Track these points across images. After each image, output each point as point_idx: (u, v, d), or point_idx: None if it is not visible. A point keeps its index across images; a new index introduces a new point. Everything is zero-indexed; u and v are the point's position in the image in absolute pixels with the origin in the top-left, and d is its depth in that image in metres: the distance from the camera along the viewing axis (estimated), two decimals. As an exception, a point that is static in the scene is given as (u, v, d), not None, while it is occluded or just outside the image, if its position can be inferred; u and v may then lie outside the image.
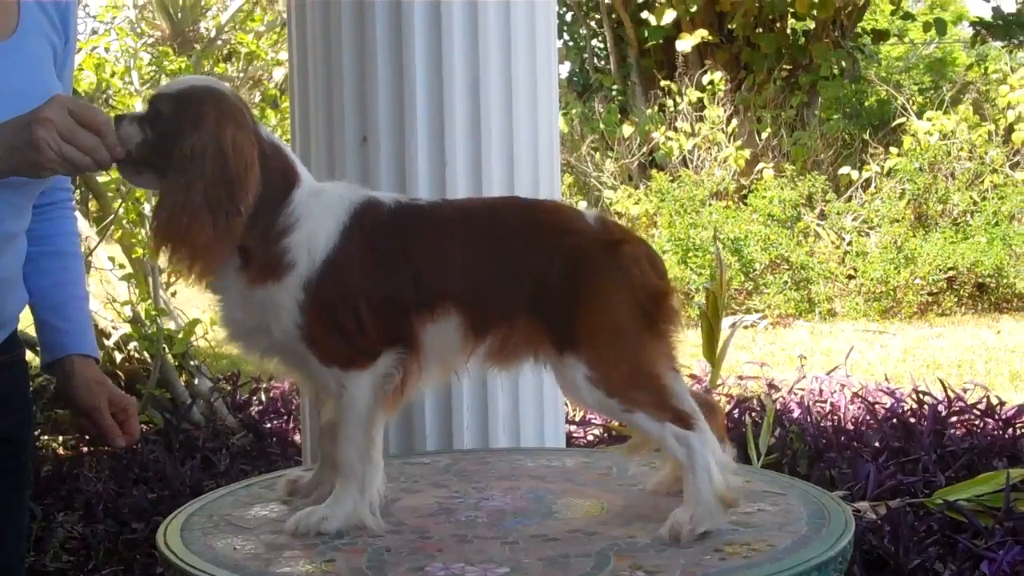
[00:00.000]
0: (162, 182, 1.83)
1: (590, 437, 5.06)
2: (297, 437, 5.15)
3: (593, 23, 17.03)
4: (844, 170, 12.89)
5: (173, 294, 6.66)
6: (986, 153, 12.26)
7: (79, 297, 2.35)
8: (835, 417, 5.24)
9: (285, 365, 1.93)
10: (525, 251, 1.86)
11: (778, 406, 5.20)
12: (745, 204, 12.40)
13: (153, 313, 5.98)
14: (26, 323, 2.33)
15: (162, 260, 1.95)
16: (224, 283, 1.87)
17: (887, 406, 5.25)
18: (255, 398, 6.29)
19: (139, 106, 6.61)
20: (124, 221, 6.11)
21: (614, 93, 15.69)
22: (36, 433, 3.71)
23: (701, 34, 14.08)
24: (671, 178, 12.65)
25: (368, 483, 1.87)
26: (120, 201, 6.10)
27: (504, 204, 2.10)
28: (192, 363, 6.08)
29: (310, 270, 1.82)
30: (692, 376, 5.72)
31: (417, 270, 1.86)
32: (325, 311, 1.83)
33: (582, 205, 12.80)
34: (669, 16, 14.21)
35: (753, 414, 4.83)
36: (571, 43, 17.56)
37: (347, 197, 1.90)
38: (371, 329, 1.84)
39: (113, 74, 6.64)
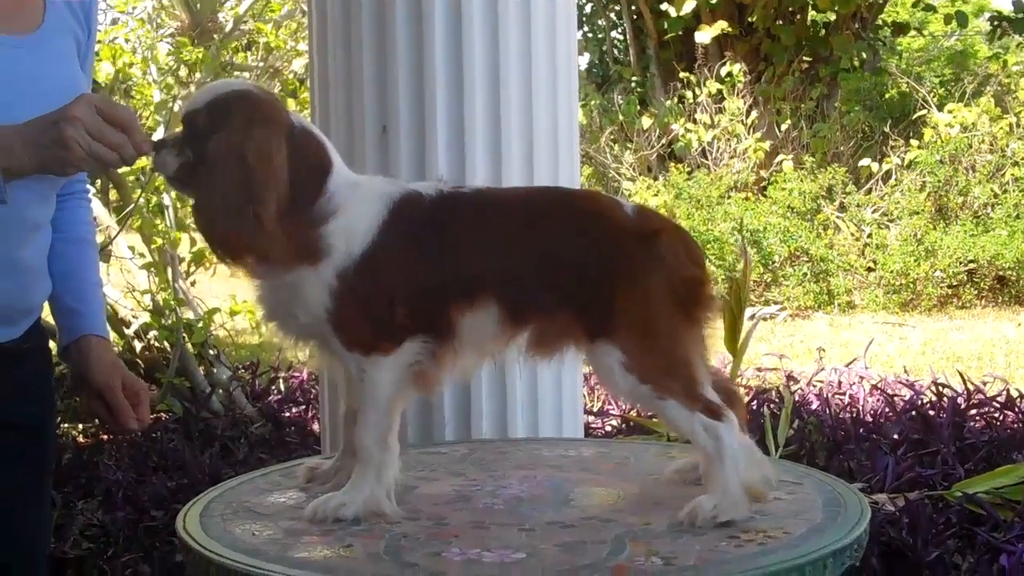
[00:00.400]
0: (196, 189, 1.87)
1: (608, 428, 5.07)
2: (316, 426, 5.17)
3: (612, 14, 17.01)
4: (864, 162, 12.83)
5: (192, 283, 6.69)
6: (1007, 146, 12.19)
7: (94, 283, 2.38)
8: (854, 409, 5.22)
9: (317, 349, 1.95)
10: (563, 241, 1.88)
11: (797, 398, 5.19)
12: (765, 196, 12.37)
13: (172, 302, 6.01)
14: (46, 312, 2.35)
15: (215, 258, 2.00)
16: (262, 267, 1.89)
17: (906, 398, 5.23)
18: (274, 387, 6.31)
19: (157, 95, 6.64)
20: (144, 210, 6.13)
21: (633, 85, 15.66)
22: (56, 421, 3.74)
23: (721, 26, 14.03)
24: (689, 170, 12.63)
25: (385, 469, 1.88)
26: (140, 191, 6.12)
27: (543, 194, 2.12)
28: (211, 352, 6.10)
29: (346, 260, 1.84)
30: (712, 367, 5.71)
31: (456, 261, 1.87)
32: (356, 300, 1.84)
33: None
34: (689, 6, 14.16)
35: (772, 406, 4.83)
36: (590, 34, 17.55)
37: (386, 191, 1.91)
38: (402, 318, 1.85)
39: (131, 64, 6.66)
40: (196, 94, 1.92)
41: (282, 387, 6.31)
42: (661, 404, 1.85)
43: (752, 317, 5.81)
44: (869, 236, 11.83)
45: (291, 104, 8.93)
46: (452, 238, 1.88)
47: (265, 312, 1.93)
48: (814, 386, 5.81)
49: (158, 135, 5.65)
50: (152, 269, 6.20)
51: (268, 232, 1.79)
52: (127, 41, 7.29)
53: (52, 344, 2.36)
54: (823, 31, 14.81)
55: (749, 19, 14.45)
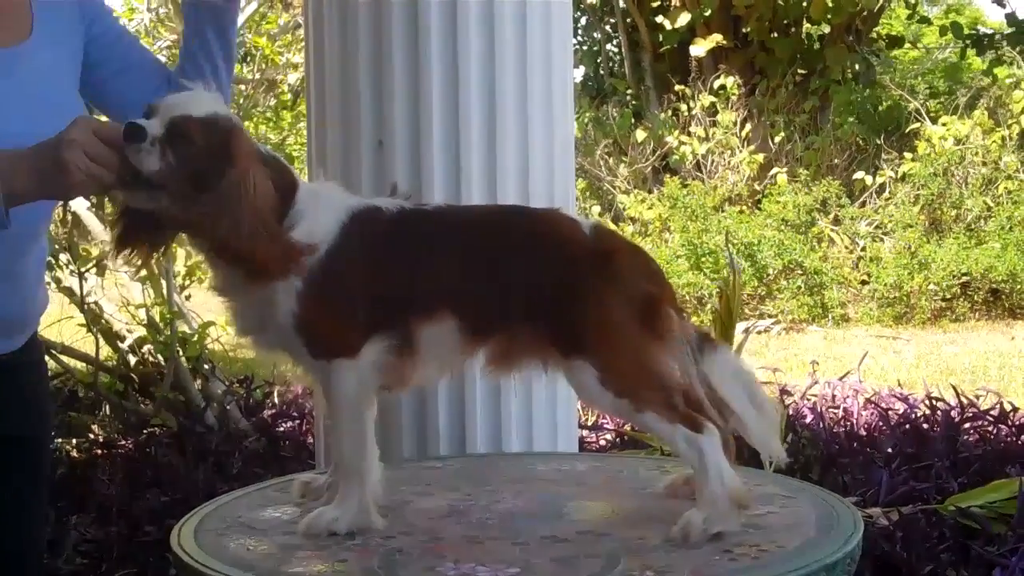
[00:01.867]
0: (191, 209, 1.84)
1: (602, 442, 5.06)
2: (310, 440, 5.16)
3: (608, 27, 17.04)
4: (858, 175, 12.85)
5: (187, 297, 6.68)
6: (1000, 158, 12.22)
7: None
8: (848, 423, 5.22)
9: (290, 361, 1.98)
10: (520, 260, 1.91)
11: (791, 412, 5.19)
12: (759, 209, 12.39)
13: (168, 316, 6.00)
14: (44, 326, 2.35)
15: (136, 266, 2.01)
16: (231, 283, 1.91)
17: (900, 412, 5.23)
18: (268, 401, 6.30)
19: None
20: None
21: (628, 98, 15.69)
22: (52, 435, 3.73)
23: (716, 38, 14.06)
24: (683, 183, 12.64)
25: (368, 476, 1.90)
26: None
27: (502, 213, 2.17)
28: (206, 366, 6.09)
29: (311, 263, 1.86)
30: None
31: (413, 274, 1.91)
32: (321, 301, 1.87)
33: (595, 210, 12.81)
34: (684, 19, 14.20)
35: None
36: (586, 47, 17.58)
37: (347, 202, 1.95)
38: (364, 321, 1.88)
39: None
40: (181, 98, 1.90)
41: (276, 401, 6.30)
42: (641, 417, 1.88)
43: (746, 330, 5.80)
44: (863, 249, 11.84)
45: (287, 117, 8.92)
46: (410, 253, 1.92)
47: (240, 326, 1.95)
48: (808, 400, 5.80)
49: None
50: (147, 283, 6.20)
51: (278, 246, 1.83)
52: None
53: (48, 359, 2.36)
54: (818, 44, 14.85)
55: (744, 32, 14.49)
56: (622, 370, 1.86)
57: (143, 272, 6.23)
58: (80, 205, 6.06)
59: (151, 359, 6.10)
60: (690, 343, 1.93)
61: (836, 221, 12.16)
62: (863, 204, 12.42)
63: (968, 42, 10.15)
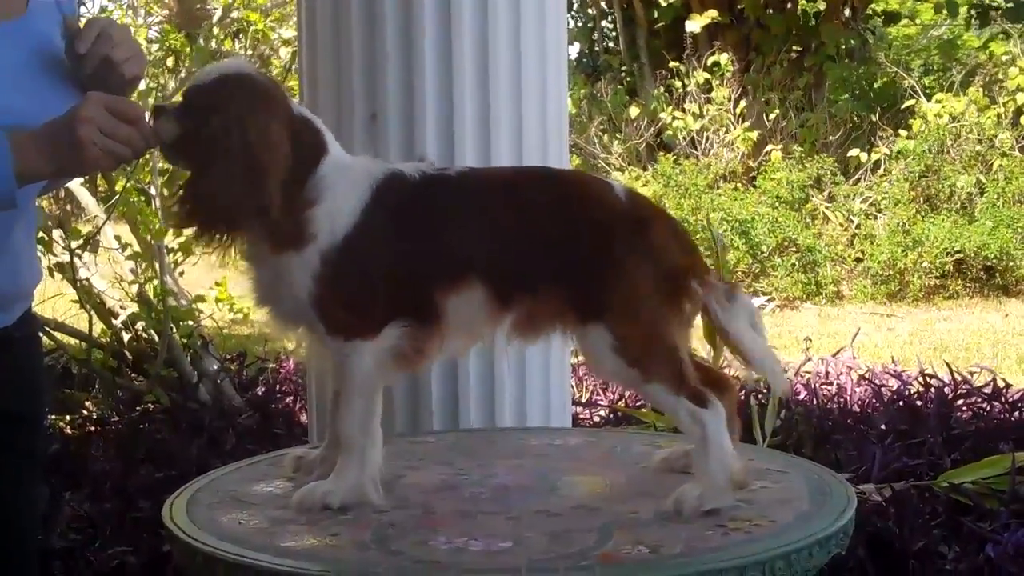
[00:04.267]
0: (191, 168, 1.89)
1: (596, 419, 5.07)
2: (303, 417, 5.16)
3: (603, 3, 16.98)
4: (853, 152, 12.83)
5: (180, 274, 6.66)
6: (995, 136, 12.20)
7: None
8: (841, 400, 5.23)
9: (305, 334, 1.97)
10: (550, 223, 1.88)
11: (784, 388, 5.19)
12: (753, 186, 12.37)
13: (160, 293, 5.99)
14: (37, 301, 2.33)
15: (177, 238, 2.03)
16: (253, 250, 1.91)
17: (893, 389, 5.24)
18: (262, 377, 6.29)
19: (142, 84, 6.60)
20: (131, 200, 6.10)
21: (623, 74, 15.64)
22: (47, 411, 3.73)
23: (711, 15, 14.01)
24: (677, 160, 12.61)
25: (369, 455, 1.89)
26: (126, 180, 6.10)
27: (530, 175, 2.12)
28: (199, 342, 6.08)
29: (330, 243, 1.86)
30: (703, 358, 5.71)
31: (440, 243, 1.88)
32: (339, 283, 1.86)
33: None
34: (679, -4, 14.16)
35: (760, 396, 4.83)
36: (580, 24, 17.52)
37: (372, 172, 1.92)
38: (385, 302, 1.85)
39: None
40: (201, 73, 1.94)
41: (270, 378, 6.29)
42: (648, 387, 1.87)
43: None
44: (857, 226, 11.83)
45: (279, 93, 8.85)
46: (435, 220, 1.89)
47: (257, 296, 1.94)
48: (802, 376, 5.81)
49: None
50: (139, 259, 6.18)
51: (267, 212, 1.82)
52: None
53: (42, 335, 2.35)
54: (813, 21, 14.81)
55: (739, 8, 14.44)
56: (637, 340, 1.84)
57: (136, 248, 6.22)
58: (73, 181, 6.03)
59: (144, 336, 6.08)
60: (717, 299, 1.91)
61: (830, 198, 12.14)
62: (857, 181, 12.40)
63: (974, 14, 10.12)
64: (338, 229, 1.86)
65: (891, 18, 16.50)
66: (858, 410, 4.96)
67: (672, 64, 13.64)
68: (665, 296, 1.87)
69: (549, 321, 1.91)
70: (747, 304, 1.95)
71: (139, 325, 6.08)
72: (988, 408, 4.77)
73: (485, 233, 1.88)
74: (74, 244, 5.67)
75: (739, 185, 12.44)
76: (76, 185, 6.12)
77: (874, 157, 12.45)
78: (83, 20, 2.17)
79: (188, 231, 1.93)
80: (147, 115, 1.93)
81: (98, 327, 6.10)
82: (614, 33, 16.48)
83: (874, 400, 5.04)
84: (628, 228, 1.87)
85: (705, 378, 1.92)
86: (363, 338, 1.87)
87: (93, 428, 5.27)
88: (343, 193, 1.88)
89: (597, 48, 17.07)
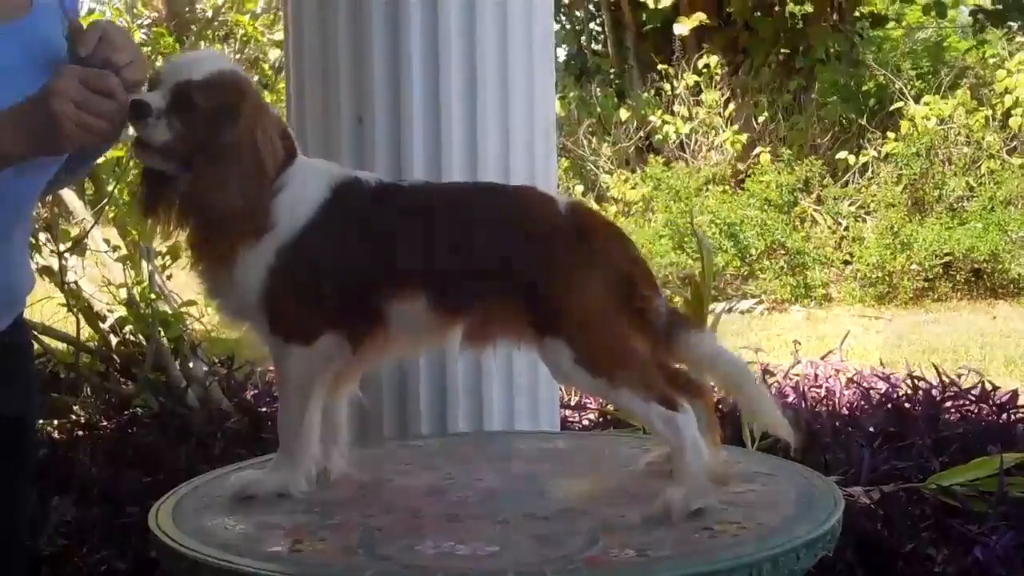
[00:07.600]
0: (194, 168, 1.86)
1: (585, 422, 5.06)
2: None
3: (591, 6, 16.99)
4: (841, 155, 12.85)
5: (169, 277, 6.65)
6: (983, 138, 12.22)
7: None
8: (830, 402, 5.23)
9: (251, 332, 1.99)
10: (494, 237, 1.91)
11: (773, 391, 5.19)
12: (742, 189, 12.38)
13: (149, 296, 5.97)
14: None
15: (166, 241, 2.02)
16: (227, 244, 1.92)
17: (882, 391, 5.24)
18: (250, 382, 6.27)
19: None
20: (120, 202, 6.09)
21: (612, 77, 15.65)
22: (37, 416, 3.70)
23: (699, 17, 14.03)
24: (667, 163, 12.63)
25: (300, 454, 1.94)
26: (115, 182, 6.08)
27: (478, 190, 2.16)
28: (187, 347, 6.06)
29: (286, 236, 1.87)
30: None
31: (385, 251, 1.90)
32: (289, 279, 1.88)
33: (579, 190, 12.78)
34: (667, -1, 14.17)
35: (748, 398, 4.82)
36: (568, 26, 17.52)
37: (330, 172, 1.97)
38: (329, 305, 1.86)
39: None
40: (182, 62, 1.92)
41: (259, 382, 6.27)
42: (616, 395, 1.88)
43: (730, 310, 5.78)
44: (846, 229, 11.85)
45: (268, 96, 8.85)
46: (384, 228, 1.92)
47: (207, 288, 1.96)
48: (790, 379, 5.81)
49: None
50: (128, 262, 6.16)
51: (258, 213, 1.86)
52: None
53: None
54: (801, 23, 14.83)
55: (728, 11, 14.46)
56: (597, 350, 1.86)
57: (124, 251, 6.21)
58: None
59: (132, 339, 6.06)
60: (664, 322, 1.92)
61: (819, 201, 12.15)
62: (846, 184, 12.42)
63: (981, 16, 10.13)
64: (296, 223, 1.89)
65: (877, 20, 16.53)
66: (847, 413, 4.96)
67: (661, 67, 13.65)
68: (618, 302, 1.88)
69: (503, 333, 1.95)
70: (706, 342, 1.96)
71: (127, 329, 6.06)
72: (976, 410, 4.78)
73: (428, 245, 1.91)
74: (62, 247, 5.65)
75: (728, 188, 12.46)
76: (64, 188, 6.10)
77: (862, 160, 12.47)
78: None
79: (177, 233, 1.92)
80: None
81: (86, 331, 6.08)
82: (603, 36, 16.49)
83: (863, 403, 5.05)
84: (570, 239, 1.90)
85: (678, 383, 1.94)
86: (300, 343, 1.90)
87: (81, 432, 5.24)
88: (302, 189, 1.91)
89: (586, 50, 17.08)
